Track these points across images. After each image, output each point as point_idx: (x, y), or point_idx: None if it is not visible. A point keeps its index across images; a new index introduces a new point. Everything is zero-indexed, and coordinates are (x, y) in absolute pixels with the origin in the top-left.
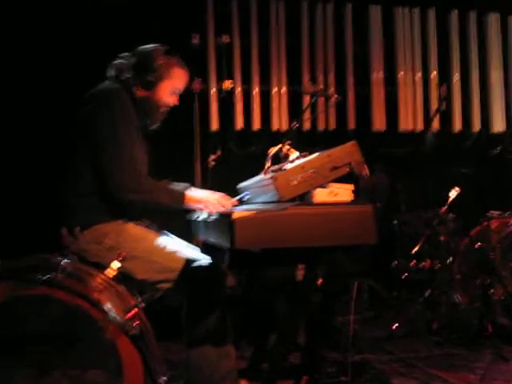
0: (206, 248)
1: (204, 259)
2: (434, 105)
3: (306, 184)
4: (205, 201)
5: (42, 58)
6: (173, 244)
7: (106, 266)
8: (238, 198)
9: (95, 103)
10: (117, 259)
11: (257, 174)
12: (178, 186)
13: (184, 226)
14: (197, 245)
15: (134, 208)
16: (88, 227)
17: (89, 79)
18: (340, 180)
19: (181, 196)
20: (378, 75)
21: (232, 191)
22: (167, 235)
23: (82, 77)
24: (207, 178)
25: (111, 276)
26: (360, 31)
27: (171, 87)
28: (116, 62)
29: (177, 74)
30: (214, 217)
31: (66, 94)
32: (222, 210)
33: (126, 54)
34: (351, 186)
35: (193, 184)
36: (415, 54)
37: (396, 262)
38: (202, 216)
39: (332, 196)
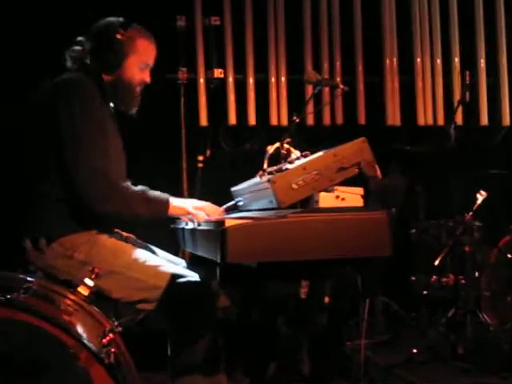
0: (193, 262)
1: (191, 275)
2: (457, 95)
3: (308, 188)
4: (193, 208)
5: None
6: (155, 258)
7: (78, 283)
8: (230, 204)
9: (54, 97)
10: (89, 276)
11: (252, 176)
12: (156, 193)
13: (167, 236)
14: (183, 258)
15: (106, 219)
16: (56, 239)
17: (54, 68)
18: (348, 183)
19: (164, 205)
20: (391, 62)
21: (223, 196)
22: (148, 248)
23: (48, 66)
24: (195, 180)
25: (83, 296)
26: (371, 11)
27: (138, 62)
28: (70, 50)
29: (141, 47)
30: (202, 225)
31: (24, 83)
32: (211, 218)
33: (81, 38)
34: (361, 190)
35: (179, 188)
36: (434, 37)
37: (414, 278)
38: (189, 224)
39: (339, 201)
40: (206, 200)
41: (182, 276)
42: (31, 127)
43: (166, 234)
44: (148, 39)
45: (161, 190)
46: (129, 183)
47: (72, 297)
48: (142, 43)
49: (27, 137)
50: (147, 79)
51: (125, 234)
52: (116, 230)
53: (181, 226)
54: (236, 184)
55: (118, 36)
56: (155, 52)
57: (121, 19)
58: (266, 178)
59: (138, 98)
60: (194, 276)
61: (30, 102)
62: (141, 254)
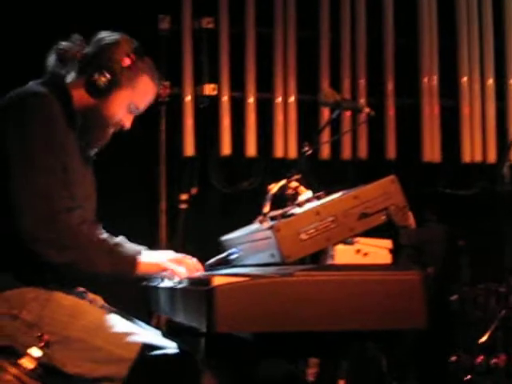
0: (171, 331)
1: (169, 346)
2: None
3: (321, 238)
4: (170, 262)
5: None
6: (126, 323)
7: (21, 352)
8: (219, 257)
9: (6, 114)
10: (37, 344)
11: (250, 221)
12: (126, 246)
13: (137, 297)
14: (157, 326)
15: (61, 270)
16: None
17: (22, 76)
18: (372, 233)
19: (130, 262)
20: (430, 81)
21: (212, 246)
22: (116, 312)
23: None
24: (176, 226)
25: (28, 370)
26: (406, 15)
27: (128, 100)
28: (61, 45)
29: (143, 85)
30: (183, 283)
31: None
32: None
33: (79, 37)
34: (389, 243)
35: (155, 235)
36: (485, 51)
37: (456, 357)
38: (166, 282)
39: (360, 257)
40: (191, 251)
41: (157, 346)
42: None
43: (135, 294)
44: (153, 81)
45: (132, 237)
46: (97, 229)
47: (13, 370)
48: (146, 81)
49: None
50: (127, 125)
51: (91, 295)
52: (80, 288)
53: (154, 284)
54: (228, 232)
55: (126, 60)
56: (152, 98)
57: (136, 42)
58: (267, 224)
59: (106, 141)
60: (173, 345)
61: None
62: (107, 318)
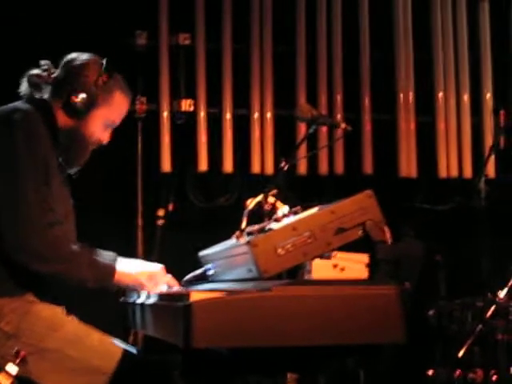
0: (148, 346)
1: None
2: (489, 140)
3: (298, 253)
4: (141, 277)
5: None
6: (103, 334)
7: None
8: (196, 273)
9: None
10: (14, 360)
11: (227, 237)
12: (103, 255)
13: (113, 314)
14: (134, 342)
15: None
16: None
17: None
18: (349, 248)
19: (109, 270)
20: (406, 97)
21: (189, 262)
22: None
23: None
24: (153, 242)
25: None
26: (381, 30)
27: (105, 118)
28: (30, 73)
29: (117, 101)
30: (153, 299)
31: None
32: (165, 289)
33: (47, 62)
34: (365, 257)
35: (132, 251)
36: (461, 65)
37: (432, 372)
38: (142, 297)
39: (337, 271)
40: (168, 267)
41: (136, 355)
42: None
43: (111, 312)
44: (126, 95)
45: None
46: (77, 246)
47: None
48: (119, 97)
49: None
50: (106, 140)
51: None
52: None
53: (131, 301)
54: (206, 247)
55: (98, 79)
56: (126, 111)
57: (104, 60)
58: (244, 239)
59: (87, 158)
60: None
61: None
62: (86, 329)
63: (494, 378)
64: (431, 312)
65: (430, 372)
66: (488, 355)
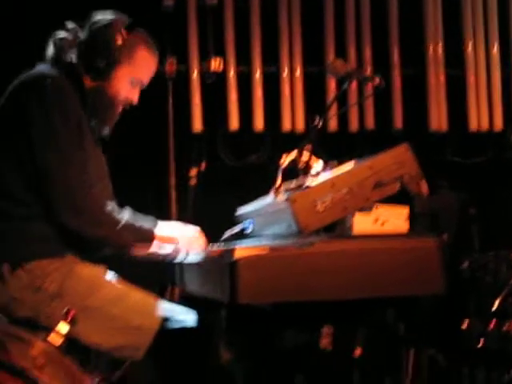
0: (185, 302)
1: (188, 318)
2: None
3: (337, 209)
4: (180, 240)
5: None
6: (145, 293)
7: (45, 324)
8: (233, 231)
9: (24, 96)
10: (64, 319)
11: (260, 195)
12: (143, 220)
13: (146, 273)
14: (171, 298)
15: (92, 243)
16: (21, 265)
17: (18, 61)
18: (388, 201)
19: (148, 234)
20: (435, 51)
21: (223, 221)
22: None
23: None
24: (186, 201)
25: (57, 344)
26: None
27: (130, 75)
28: (57, 36)
29: (141, 59)
30: (196, 256)
31: None
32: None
33: (72, 25)
34: (405, 210)
35: (165, 210)
36: (489, 17)
37: (468, 323)
38: (181, 255)
39: (378, 226)
40: (201, 226)
41: (176, 318)
42: None
43: (145, 271)
44: (150, 52)
45: (143, 213)
46: (114, 205)
47: (41, 345)
48: (142, 54)
49: None
50: (135, 99)
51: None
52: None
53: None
54: (238, 206)
55: (118, 38)
56: (154, 69)
57: (125, 18)
58: (282, 196)
59: (117, 119)
60: (191, 317)
61: None
62: (125, 288)
63: None
64: (465, 264)
65: (465, 324)
66: None
